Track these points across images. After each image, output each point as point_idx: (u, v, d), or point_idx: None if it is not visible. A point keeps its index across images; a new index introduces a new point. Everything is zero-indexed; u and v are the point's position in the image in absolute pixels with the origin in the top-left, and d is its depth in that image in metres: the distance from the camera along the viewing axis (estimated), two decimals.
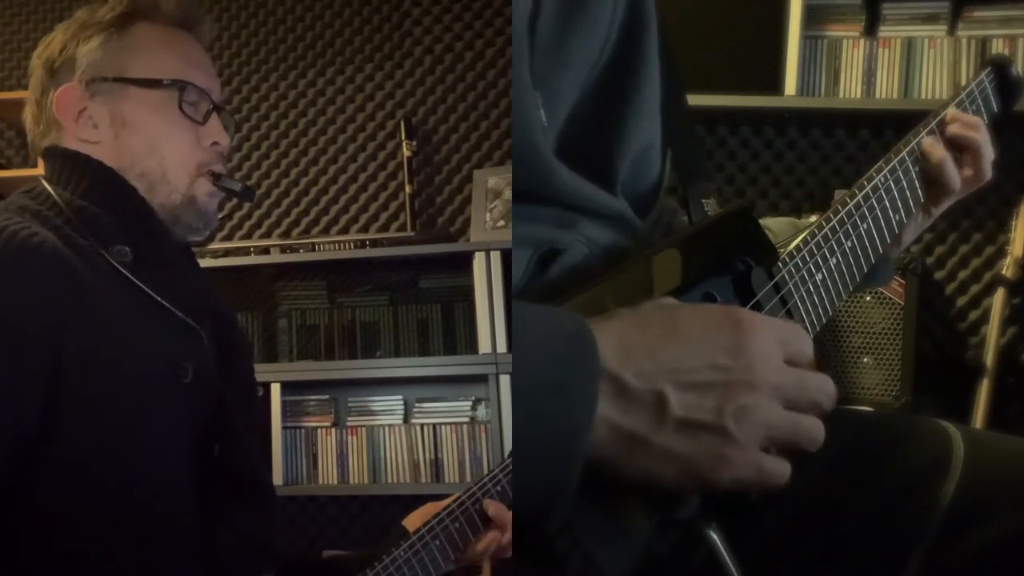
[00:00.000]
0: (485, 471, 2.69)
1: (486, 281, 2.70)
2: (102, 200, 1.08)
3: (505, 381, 2.65)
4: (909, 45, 2.58)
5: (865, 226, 0.99)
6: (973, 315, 2.66)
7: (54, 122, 1.13)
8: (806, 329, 0.90)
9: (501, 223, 2.83)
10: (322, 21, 3.14)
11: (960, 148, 1.10)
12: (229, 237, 3.06)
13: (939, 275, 2.68)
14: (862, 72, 2.60)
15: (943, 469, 0.90)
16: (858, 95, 2.60)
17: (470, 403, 2.80)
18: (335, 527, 2.96)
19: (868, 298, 2.40)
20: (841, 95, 2.61)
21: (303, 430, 2.84)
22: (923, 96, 2.55)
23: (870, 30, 2.62)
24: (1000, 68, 1.18)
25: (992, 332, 2.49)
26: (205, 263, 2.78)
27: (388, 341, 2.84)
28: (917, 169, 1.07)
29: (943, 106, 1.12)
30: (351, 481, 2.81)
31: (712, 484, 0.73)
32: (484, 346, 2.69)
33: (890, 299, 2.40)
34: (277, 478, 2.77)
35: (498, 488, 1.38)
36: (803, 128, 2.76)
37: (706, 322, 0.74)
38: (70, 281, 0.97)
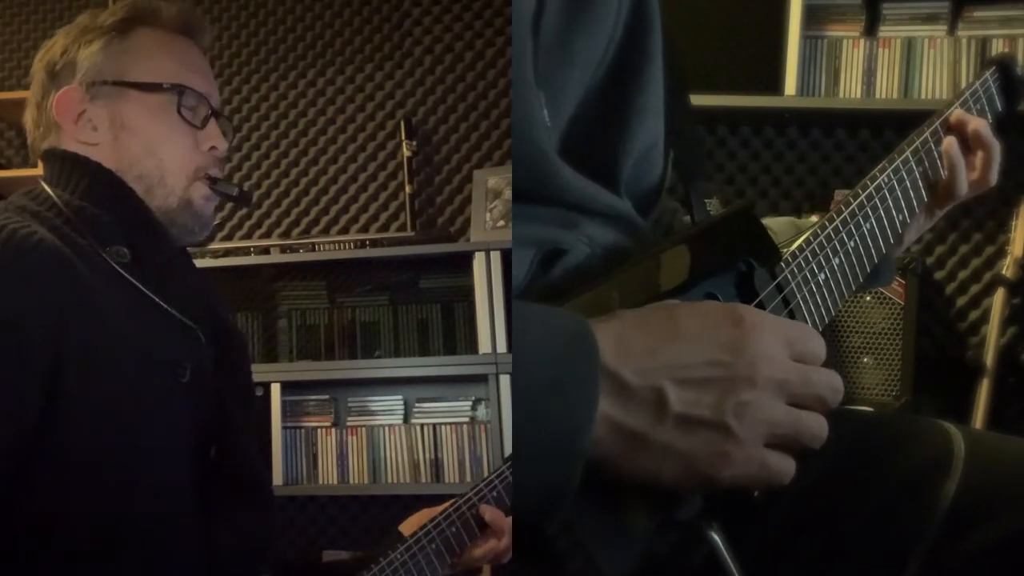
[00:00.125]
0: (485, 471, 2.70)
1: (486, 281, 2.70)
2: (101, 201, 1.09)
3: (505, 381, 2.64)
4: (909, 45, 2.58)
5: (868, 226, 0.99)
6: (973, 315, 2.66)
7: (54, 124, 1.14)
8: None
9: (501, 223, 2.83)
10: (322, 21, 3.14)
11: (971, 150, 1.10)
12: (229, 237, 3.06)
13: (939, 275, 2.68)
14: (862, 72, 2.60)
15: (943, 469, 0.90)
16: (858, 95, 2.60)
17: (470, 403, 2.80)
18: (335, 527, 2.96)
19: (868, 298, 2.40)
20: (841, 95, 2.61)
21: (303, 430, 2.84)
22: (923, 96, 2.55)
23: (870, 30, 2.62)
24: (1004, 67, 1.18)
25: (992, 332, 2.50)
26: (205, 263, 2.79)
27: (388, 341, 2.84)
28: (920, 169, 1.07)
29: (947, 106, 1.12)
30: (351, 481, 2.81)
31: (713, 481, 0.73)
32: (484, 346, 2.69)
33: (890, 299, 2.40)
34: (277, 478, 2.76)
35: (494, 494, 1.38)
36: (803, 128, 2.76)
37: (707, 319, 0.74)
38: (69, 280, 0.97)
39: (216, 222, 1.21)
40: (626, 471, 0.71)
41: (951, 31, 2.56)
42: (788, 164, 2.78)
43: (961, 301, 2.67)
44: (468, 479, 2.73)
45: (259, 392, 2.72)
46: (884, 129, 2.70)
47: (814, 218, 0.96)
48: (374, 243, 2.85)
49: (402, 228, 2.98)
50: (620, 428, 0.70)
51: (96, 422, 0.97)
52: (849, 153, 2.74)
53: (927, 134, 1.08)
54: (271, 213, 3.11)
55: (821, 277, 0.93)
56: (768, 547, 0.91)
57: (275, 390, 2.79)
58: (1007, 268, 2.53)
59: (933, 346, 2.65)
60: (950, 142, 1.08)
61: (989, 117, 1.15)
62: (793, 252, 0.91)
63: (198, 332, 1.10)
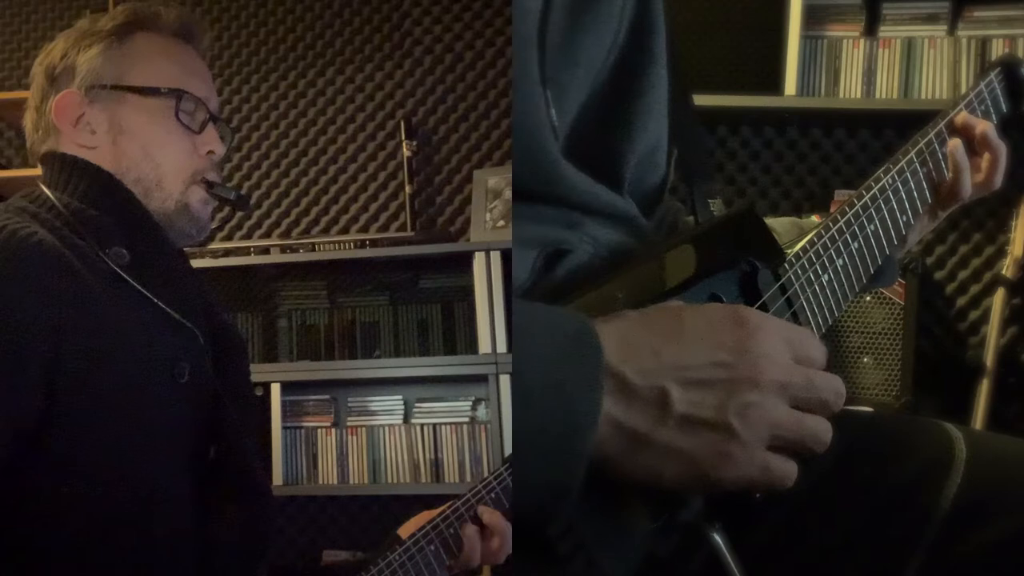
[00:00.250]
0: (485, 471, 2.70)
1: (486, 281, 2.69)
2: (100, 203, 1.09)
3: (505, 381, 2.64)
4: (909, 45, 2.58)
5: (872, 227, 0.99)
6: (973, 315, 2.66)
7: (52, 128, 1.14)
8: (813, 330, 0.90)
9: (501, 223, 2.83)
10: (322, 21, 3.14)
11: (977, 153, 1.10)
12: (229, 237, 3.06)
13: (939, 275, 2.68)
14: (862, 72, 2.60)
15: (944, 470, 0.90)
16: (858, 95, 2.60)
17: (470, 403, 2.80)
18: (335, 527, 2.96)
19: (868, 298, 2.40)
20: (841, 95, 2.61)
21: (303, 430, 2.84)
22: (923, 96, 2.55)
23: (870, 30, 2.62)
24: (1009, 69, 1.17)
25: (992, 332, 2.50)
26: (205, 263, 2.79)
27: (388, 341, 2.84)
28: (925, 170, 1.07)
29: (952, 106, 1.12)
30: (351, 481, 2.81)
31: (715, 482, 0.73)
32: (484, 346, 2.69)
33: (890, 299, 2.40)
34: (277, 478, 2.76)
35: (492, 496, 1.38)
36: (803, 128, 2.76)
37: (711, 321, 0.74)
38: (69, 279, 0.98)
39: (215, 224, 1.21)
40: (628, 471, 0.71)
41: (951, 31, 2.56)
42: (788, 164, 2.78)
43: (961, 301, 2.67)
44: (468, 479, 2.73)
45: (259, 392, 2.72)
46: (884, 129, 2.70)
47: (815, 218, 0.96)
48: (374, 243, 2.85)
49: (402, 228, 2.98)
50: (622, 428, 0.70)
51: (94, 421, 0.98)
52: (849, 153, 2.74)
53: (931, 135, 1.08)
54: (271, 213, 3.11)
55: (825, 278, 0.92)
56: (769, 548, 0.91)
57: (275, 390, 2.79)
58: (1007, 268, 2.53)
59: (933, 346, 2.65)
60: (956, 144, 1.08)
61: (994, 119, 1.14)
62: (797, 253, 0.91)
63: (196, 332, 1.10)
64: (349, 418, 2.86)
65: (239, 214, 3.10)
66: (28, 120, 1.18)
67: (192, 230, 1.16)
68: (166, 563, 1.03)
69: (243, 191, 3.11)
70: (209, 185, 1.16)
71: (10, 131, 3.31)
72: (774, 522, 0.90)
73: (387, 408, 2.84)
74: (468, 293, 2.75)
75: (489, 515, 1.36)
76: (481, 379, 2.73)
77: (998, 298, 2.51)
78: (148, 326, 1.05)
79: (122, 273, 1.05)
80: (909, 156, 1.05)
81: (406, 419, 2.83)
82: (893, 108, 2.56)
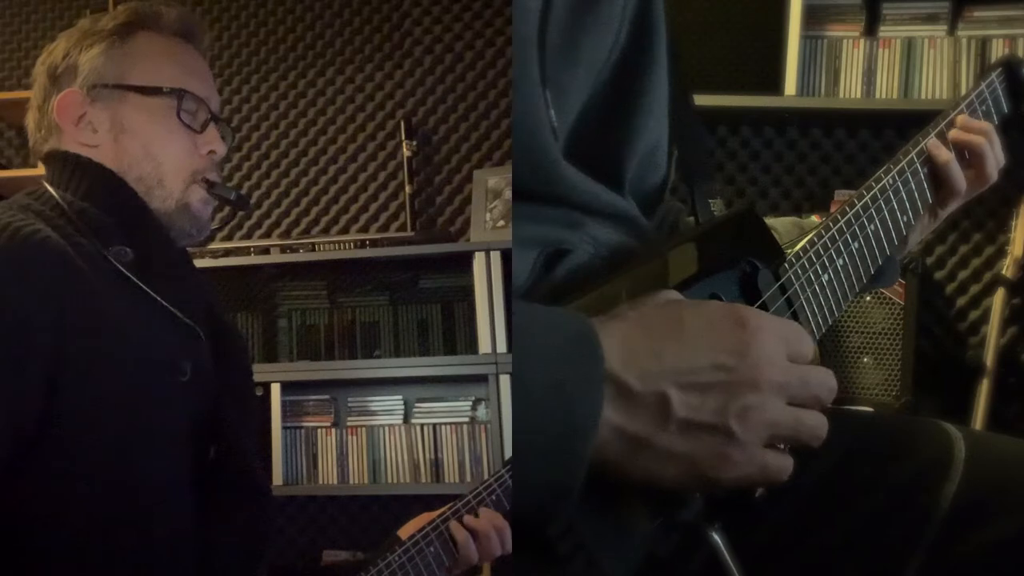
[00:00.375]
0: (485, 471, 2.70)
1: (486, 281, 2.69)
2: (103, 202, 1.09)
3: (505, 381, 2.64)
4: (909, 45, 2.58)
5: (872, 227, 0.99)
6: (973, 315, 2.66)
7: (55, 127, 1.14)
8: (813, 330, 0.90)
9: (501, 223, 2.83)
10: (322, 21, 3.14)
11: (965, 151, 1.10)
12: (229, 237, 3.06)
13: (939, 275, 2.68)
14: (862, 72, 2.60)
15: (944, 470, 0.90)
16: (858, 95, 2.60)
17: (470, 403, 2.80)
18: (335, 527, 2.96)
19: (868, 298, 2.40)
20: (841, 95, 2.61)
21: (303, 430, 2.84)
22: (923, 96, 2.55)
23: (870, 30, 2.62)
24: (1010, 69, 1.17)
25: (992, 332, 2.50)
26: (205, 263, 2.79)
27: (388, 341, 2.84)
28: (926, 171, 1.07)
29: (952, 106, 1.11)
30: (351, 481, 2.81)
31: (715, 483, 0.73)
32: (484, 346, 2.69)
33: (890, 299, 2.40)
34: (277, 478, 2.76)
35: (493, 498, 1.38)
36: (803, 128, 2.76)
37: (711, 320, 0.74)
38: (72, 278, 0.98)
39: (215, 224, 1.22)
40: (628, 473, 0.71)
41: (951, 31, 2.56)
42: (788, 164, 2.78)
43: (961, 301, 2.67)
44: (468, 479, 2.73)
45: (259, 392, 2.72)
46: (884, 129, 2.70)
47: (815, 218, 0.96)
48: (374, 243, 2.85)
49: (402, 228, 2.98)
50: (623, 433, 0.70)
51: (95, 420, 0.98)
52: (849, 153, 2.74)
53: (932, 135, 1.08)
54: (271, 213, 3.11)
55: (825, 278, 0.92)
56: (769, 548, 0.91)
57: (275, 390, 2.79)
58: (1007, 268, 2.53)
59: (933, 346, 2.65)
60: (936, 144, 1.07)
61: (995, 119, 1.14)
62: (797, 253, 0.91)
63: (198, 332, 1.11)
64: (349, 418, 2.86)
65: (239, 214, 3.10)
66: (31, 119, 1.18)
67: (192, 230, 1.16)
68: (166, 563, 1.03)
69: (243, 191, 3.11)
70: (209, 185, 1.16)
71: (10, 131, 3.31)
72: (774, 522, 0.90)
73: (387, 408, 2.84)
74: (468, 293, 2.75)
75: (472, 520, 1.36)
76: (481, 379, 2.73)
77: (998, 298, 2.52)
78: (150, 325, 1.05)
79: (125, 271, 1.05)
80: (910, 156, 1.05)
81: (406, 419, 2.83)
82: (893, 108, 2.56)
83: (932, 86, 2.56)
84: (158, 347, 1.05)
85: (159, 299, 1.07)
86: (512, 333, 0.89)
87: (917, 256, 2.50)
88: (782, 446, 0.75)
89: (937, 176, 1.08)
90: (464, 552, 1.35)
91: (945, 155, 1.07)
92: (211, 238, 1.23)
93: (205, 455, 1.09)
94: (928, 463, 0.92)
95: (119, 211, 1.09)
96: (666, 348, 0.72)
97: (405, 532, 1.39)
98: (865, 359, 2.41)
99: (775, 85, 2.59)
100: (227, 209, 1.23)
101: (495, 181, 2.89)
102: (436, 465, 2.77)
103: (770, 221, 0.92)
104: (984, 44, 2.54)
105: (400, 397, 2.85)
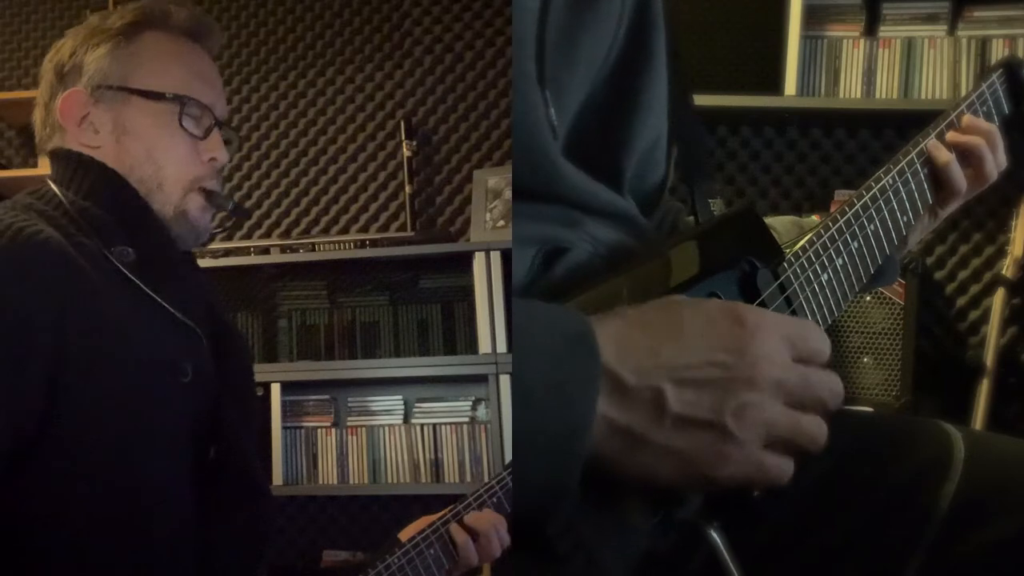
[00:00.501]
0: (485, 471, 2.70)
1: (486, 281, 2.69)
2: (105, 201, 1.09)
3: (505, 381, 2.64)
4: (909, 45, 2.58)
5: (872, 227, 0.99)
6: (973, 315, 2.66)
7: (58, 126, 1.14)
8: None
9: (501, 223, 2.83)
10: (322, 21, 3.14)
11: (964, 150, 1.10)
12: (229, 237, 3.06)
13: (939, 275, 2.68)
14: (862, 72, 2.60)
15: (943, 470, 0.90)
16: (858, 95, 2.60)
17: (470, 403, 2.80)
18: (335, 527, 2.96)
19: (868, 298, 2.40)
20: (841, 95, 2.61)
21: (303, 430, 2.84)
22: (923, 96, 2.55)
23: (870, 30, 2.62)
24: (1011, 69, 1.17)
25: (992, 332, 2.50)
26: (205, 263, 2.78)
27: (388, 341, 2.84)
28: (926, 171, 1.07)
29: (953, 107, 1.11)
30: (351, 481, 2.81)
31: (711, 481, 0.73)
32: (484, 346, 2.69)
33: (890, 299, 2.40)
34: (277, 478, 2.76)
35: (495, 499, 1.38)
36: (803, 128, 2.76)
37: (710, 318, 0.74)
38: (73, 278, 0.98)
39: (215, 225, 1.21)
40: (624, 470, 0.71)
41: (951, 31, 2.56)
42: (788, 164, 2.78)
43: (961, 301, 2.67)
44: (468, 479, 2.73)
45: (259, 392, 2.72)
46: (884, 129, 2.70)
47: (815, 218, 0.96)
48: (374, 243, 2.85)
49: (402, 228, 2.98)
50: (618, 427, 0.69)
51: (96, 420, 0.98)
52: (849, 153, 2.74)
53: (933, 135, 1.08)
54: (271, 213, 3.12)
55: (824, 277, 0.92)
56: (768, 547, 0.91)
57: (275, 390, 2.79)
58: (1007, 268, 2.53)
59: (933, 346, 2.65)
60: (935, 144, 1.07)
61: (996, 120, 1.14)
62: (796, 252, 0.91)
63: (199, 333, 1.10)
64: (349, 418, 2.86)
65: None
66: (37, 116, 1.17)
67: (190, 237, 1.16)
68: (166, 563, 1.03)
69: (243, 191, 3.11)
70: (208, 194, 1.15)
71: (10, 131, 3.31)
72: (774, 522, 0.90)
73: (387, 408, 2.84)
74: (468, 293, 2.75)
75: (473, 519, 1.36)
76: (481, 379, 2.72)
77: (998, 298, 2.51)
78: (152, 325, 1.05)
79: (127, 272, 1.05)
80: (910, 156, 1.05)
81: (406, 419, 2.83)
82: (893, 108, 2.56)
83: (932, 86, 2.56)
84: (159, 347, 1.05)
85: (160, 300, 1.07)
86: (512, 332, 0.89)
87: (917, 256, 2.50)
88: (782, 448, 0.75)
89: (937, 176, 1.08)
90: (464, 554, 1.35)
91: (945, 156, 1.07)
92: (211, 238, 1.22)
93: (205, 455, 1.09)
94: (928, 463, 0.92)
95: (121, 210, 1.09)
96: (663, 344, 0.71)
97: (406, 535, 1.39)
98: (865, 359, 2.41)
99: (775, 85, 2.59)
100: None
101: (495, 181, 2.89)
102: (436, 465, 2.77)
103: (769, 220, 0.92)
104: (984, 44, 2.54)
105: (400, 397, 2.85)
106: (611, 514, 0.73)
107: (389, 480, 2.79)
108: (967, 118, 1.10)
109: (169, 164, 1.13)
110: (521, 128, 0.81)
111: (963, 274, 2.67)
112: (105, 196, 1.09)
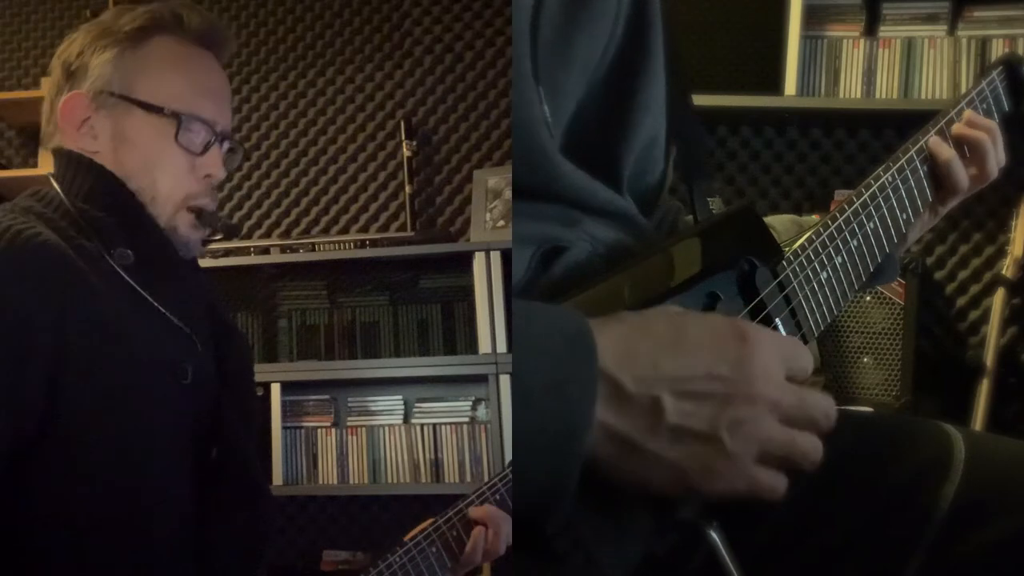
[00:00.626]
0: (485, 471, 2.70)
1: (486, 281, 2.70)
2: (104, 203, 1.09)
3: (505, 381, 2.64)
4: (909, 45, 2.58)
5: (872, 225, 0.98)
6: (973, 315, 2.66)
7: (58, 127, 1.13)
8: (811, 328, 0.90)
9: (501, 223, 2.83)
10: (322, 21, 3.14)
11: (966, 147, 1.10)
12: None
13: (939, 275, 2.68)
14: (862, 72, 2.60)
15: (943, 470, 0.90)
16: (858, 95, 2.60)
17: (470, 403, 2.80)
18: (335, 527, 2.96)
19: (868, 298, 2.40)
20: (841, 95, 2.61)
21: (303, 430, 2.84)
22: (923, 96, 2.55)
23: (870, 30, 2.62)
24: (1011, 67, 1.17)
25: (992, 332, 2.50)
26: (205, 263, 2.77)
27: (388, 341, 2.84)
28: (926, 168, 1.06)
29: (952, 105, 1.11)
30: (351, 481, 2.81)
31: (703, 494, 0.73)
32: (484, 346, 2.69)
33: (890, 299, 2.40)
34: (277, 478, 2.76)
35: (496, 497, 1.38)
36: (803, 128, 2.76)
37: (712, 333, 0.74)
38: (73, 280, 0.98)
39: (209, 233, 1.20)
40: (618, 475, 0.71)
41: (951, 31, 2.56)
42: (788, 164, 2.78)
43: (961, 301, 2.67)
44: (468, 479, 2.73)
45: (259, 392, 2.72)
46: (884, 129, 2.70)
47: (815, 217, 0.96)
48: (374, 243, 2.85)
49: (402, 228, 2.98)
50: (614, 433, 0.70)
51: (96, 421, 0.98)
52: (849, 153, 2.74)
53: (932, 134, 1.08)
54: (271, 213, 3.11)
55: (823, 276, 0.92)
56: (768, 547, 0.91)
57: (275, 390, 2.79)
58: (1007, 268, 2.53)
59: (933, 346, 2.65)
60: (937, 141, 1.07)
61: (996, 117, 1.14)
62: (795, 251, 0.91)
63: (195, 339, 1.10)
64: (349, 418, 2.86)
65: (239, 214, 3.11)
66: (44, 109, 1.16)
67: (181, 249, 1.14)
68: (166, 563, 1.03)
69: (243, 191, 3.11)
70: (198, 214, 1.13)
71: (10, 131, 3.31)
72: (774, 522, 0.90)
73: (387, 408, 2.84)
74: (468, 293, 2.75)
75: (478, 511, 1.36)
76: (481, 379, 2.73)
77: (998, 298, 2.51)
78: (152, 327, 1.05)
79: (125, 276, 1.04)
80: (909, 154, 1.05)
81: (406, 419, 2.83)
82: (893, 108, 2.56)
83: (932, 86, 2.56)
84: (160, 349, 1.05)
85: (156, 305, 1.06)
86: (512, 332, 0.89)
87: (917, 256, 2.50)
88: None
89: (938, 174, 1.07)
90: (473, 543, 1.35)
91: (947, 153, 1.07)
92: (205, 250, 1.21)
93: (206, 456, 1.09)
94: (928, 463, 0.92)
95: (120, 212, 1.09)
96: (664, 354, 0.71)
97: (410, 537, 1.39)
98: (865, 359, 2.41)
99: (775, 85, 2.59)
100: (226, 209, 1.22)
101: (495, 181, 2.89)
102: (436, 465, 2.77)
103: (769, 219, 0.92)
104: (984, 44, 2.54)
105: (400, 397, 2.85)
106: (610, 514, 0.73)
107: (389, 480, 2.79)
108: (969, 113, 1.10)
109: (163, 179, 1.11)
110: (520, 126, 0.81)
111: (963, 274, 2.67)
112: (103, 198, 1.09)
